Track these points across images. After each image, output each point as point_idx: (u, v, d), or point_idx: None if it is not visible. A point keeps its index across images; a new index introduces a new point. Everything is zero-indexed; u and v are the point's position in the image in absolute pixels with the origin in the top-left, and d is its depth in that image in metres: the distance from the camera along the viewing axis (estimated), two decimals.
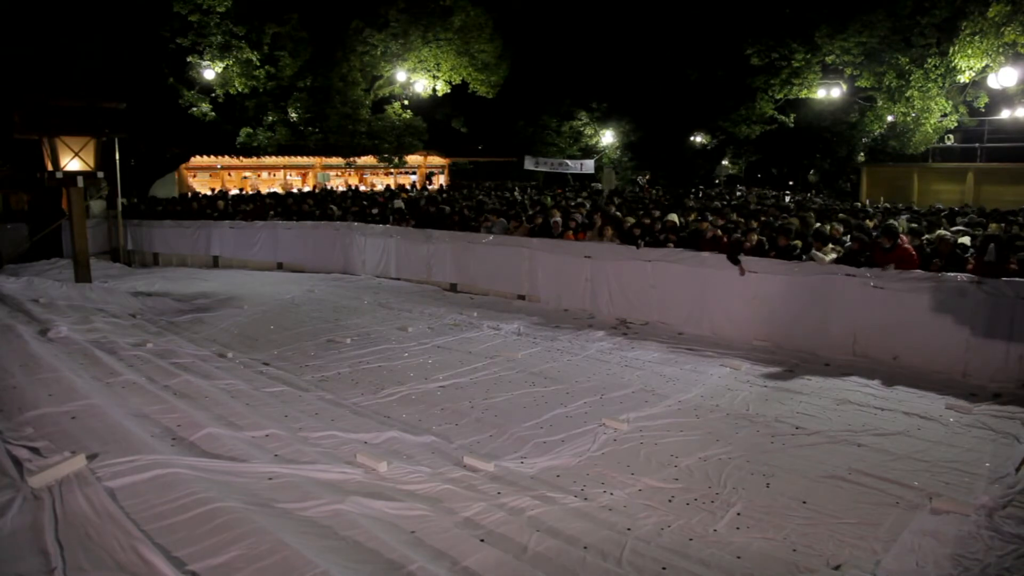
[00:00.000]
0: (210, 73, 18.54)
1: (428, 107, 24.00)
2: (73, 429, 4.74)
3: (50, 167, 11.14)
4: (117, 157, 14.29)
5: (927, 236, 8.96)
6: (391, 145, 21.89)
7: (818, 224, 9.79)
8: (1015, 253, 7.20)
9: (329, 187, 23.40)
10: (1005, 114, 21.46)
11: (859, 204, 17.99)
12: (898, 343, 7.32)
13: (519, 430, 5.34)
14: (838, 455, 4.95)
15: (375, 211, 14.26)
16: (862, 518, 4.03)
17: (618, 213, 11.59)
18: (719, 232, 9.25)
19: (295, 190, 22.70)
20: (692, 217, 11.99)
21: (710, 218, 10.85)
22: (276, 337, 8.20)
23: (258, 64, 18.75)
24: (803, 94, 22.05)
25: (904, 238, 7.92)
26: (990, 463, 4.85)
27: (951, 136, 22.80)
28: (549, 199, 17.45)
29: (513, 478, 4.46)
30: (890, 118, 21.87)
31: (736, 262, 8.35)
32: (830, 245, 8.45)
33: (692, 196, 19.62)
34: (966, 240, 8.63)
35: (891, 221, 9.37)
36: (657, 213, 11.82)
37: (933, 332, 7.09)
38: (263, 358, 7.24)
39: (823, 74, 21.57)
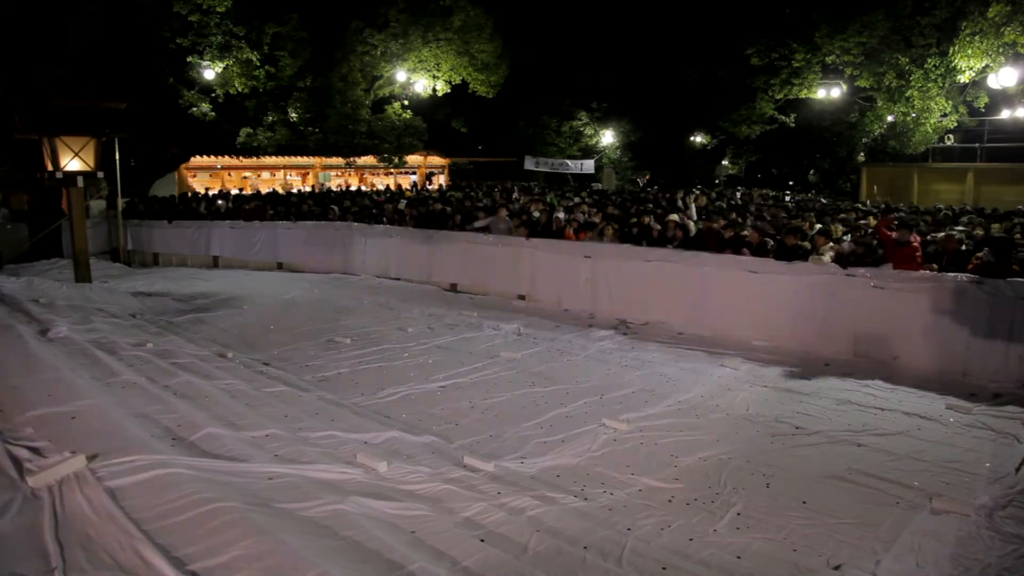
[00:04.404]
0: (210, 73, 18.55)
1: (428, 107, 24.01)
2: (73, 429, 4.74)
3: (50, 167, 11.13)
4: (117, 157, 14.29)
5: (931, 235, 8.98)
6: (391, 145, 21.90)
7: (819, 225, 9.82)
8: (1015, 253, 7.20)
9: (329, 187, 23.39)
10: (1005, 114, 21.48)
11: (860, 204, 17.99)
12: (898, 343, 7.31)
13: (519, 430, 5.33)
14: (838, 455, 4.94)
15: (376, 211, 14.26)
16: (862, 518, 4.02)
17: (617, 211, 11.60)
18: (732, 231, 9.24)
19: (295, 190, 22.70)
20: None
21: (716, 219, 10.86)
22: (276, 337, 8.20)
23: (258, 64, 18.76)
24: (803, 94, 22.07)
25: (915, 236, 7.94)
26: (990, 463, 4.85)
27: (951, 136, 22.81)
28: (553, 197, 17.45)
29: (513, 478, 4.46)
30: (890, 118, 21.88)
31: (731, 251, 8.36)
32: (830, 244, 8.46)
33: (692, 196, 19.59)
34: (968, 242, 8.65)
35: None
36: (662, 214, 11.82)
37: (933, 332, 7.09)
38: (263, 358, 7.23)
39: (823, 74, 21.59)
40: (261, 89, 19.32)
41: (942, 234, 8.73)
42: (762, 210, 13.34)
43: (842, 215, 12.40)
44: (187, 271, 14.34)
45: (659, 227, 9.93)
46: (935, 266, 7.49)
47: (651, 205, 14.15)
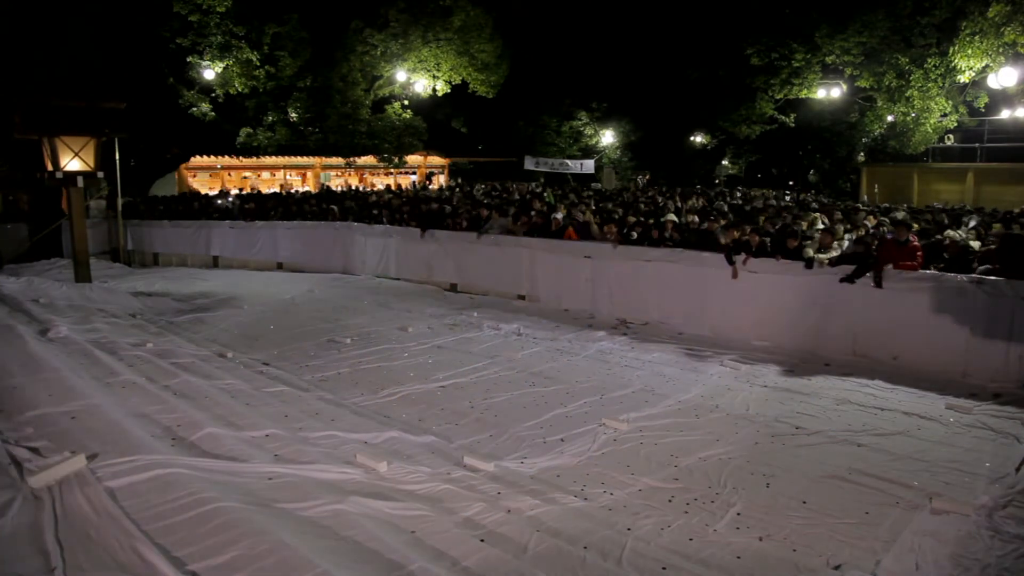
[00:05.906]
0: (210, 73, 18.54)
1: (428, 107, 23.99)
2: (73, 429, 4.74)
3: (50, 167, 11.14)
4: (117, 157, 14.29)
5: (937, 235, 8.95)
6: (391, 145, 21.89)
7: (820, 227, 9.82)
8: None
9: (329, 187, 23.38)
10: (1005, 114, 21.45)
11: (859, 204, 17.99)
12: (898, 343, 7.31)
13: (519, 430, 5.34)
14: (838, 455, 4.95)
15: (376, 211, 14.25)
16: (862, 518, 4.03)
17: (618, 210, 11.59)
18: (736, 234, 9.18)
19: (295, 190, 22.69)
20: (690, 218, 11.96)
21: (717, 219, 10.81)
22: (276, 337, 8.20)
23: (258, 64, 18.74)
24: (803, 94, 22.05)
25: (913, 236, 7.93)
26: (990, 463, 4.85)
27: (951, 136, 22.79)
28: (551, 195, 17.43)
29: (513, 478, 4.46)
30: (890, 118, 21.87)
31: (731, 262, 8.34)
32: (835, 243, 8.45)
33: (693, 196, 19.59)
34: (975, 244, 8.61)
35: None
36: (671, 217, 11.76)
37: (933, 332, 7.09)
38: (263, 358, 7.24)
39: (823, 74, 21.56)
40: (261, 89, 19.31)
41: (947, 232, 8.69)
42: (762, 212, 13.28)
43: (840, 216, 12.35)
44: (187, 271, 14.34)
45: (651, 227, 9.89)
46: (940, 265, 7.47)
47: (643, 206, 14.13)
